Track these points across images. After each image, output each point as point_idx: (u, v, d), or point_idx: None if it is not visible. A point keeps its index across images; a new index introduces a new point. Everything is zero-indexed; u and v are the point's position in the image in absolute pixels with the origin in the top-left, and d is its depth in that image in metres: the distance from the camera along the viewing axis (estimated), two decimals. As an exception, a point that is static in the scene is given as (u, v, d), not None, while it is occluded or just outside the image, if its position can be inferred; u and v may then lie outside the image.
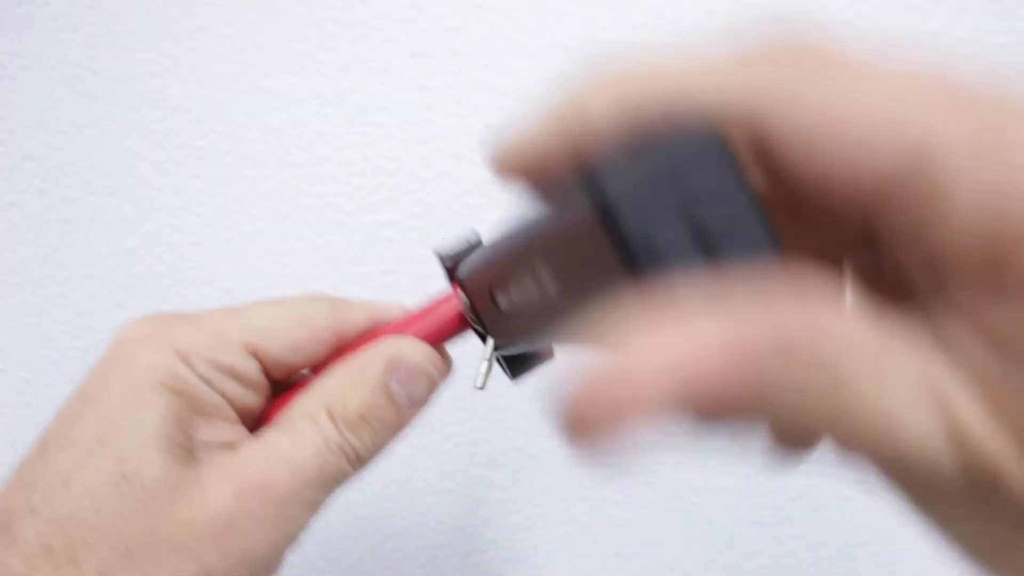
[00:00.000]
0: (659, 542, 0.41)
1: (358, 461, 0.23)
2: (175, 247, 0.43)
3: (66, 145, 0.43)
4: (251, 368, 0.24)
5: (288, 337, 0.24)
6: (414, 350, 0.24)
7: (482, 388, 0.24)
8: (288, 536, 0.22)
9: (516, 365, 0.25)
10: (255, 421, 0.25)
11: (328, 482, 0.23)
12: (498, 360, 0.25)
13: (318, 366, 0.25)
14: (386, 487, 0.41)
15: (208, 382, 0.23)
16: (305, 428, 0.22)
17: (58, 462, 0.21)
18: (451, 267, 0.25)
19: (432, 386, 0.25)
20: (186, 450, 0.22)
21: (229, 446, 0.23)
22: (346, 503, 0.32)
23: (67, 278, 0.43)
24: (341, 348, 0.25)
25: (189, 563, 0.20)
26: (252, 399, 0.24)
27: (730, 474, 0.41)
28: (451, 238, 0.25)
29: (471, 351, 0.26)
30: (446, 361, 0.26)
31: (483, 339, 0.25)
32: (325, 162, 0.43)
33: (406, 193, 0.42)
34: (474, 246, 0.25)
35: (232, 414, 0.24)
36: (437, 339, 0.25)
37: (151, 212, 0.43)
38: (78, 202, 0.43)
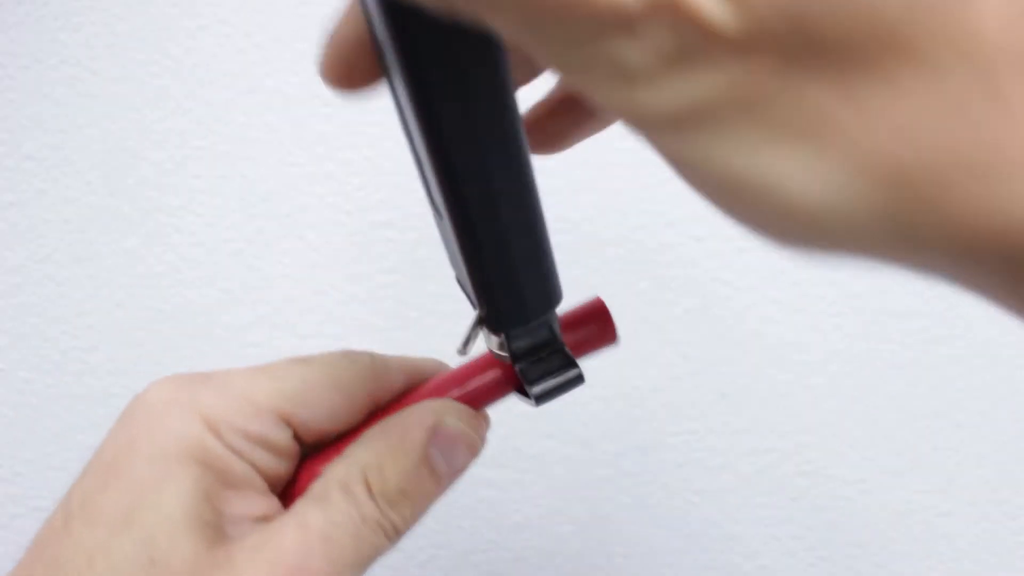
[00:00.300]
0: (659, 542, 0.41)
1: (396, 535, 0.22)
2: (175, 247, 0.43)
3: (66, 145, 0.43)
4: (283, 437, 0.22)
5: (323, 404, 0.23)
6: (456, 417, 0.23)
7: (463, 353, 0.23)
8: None
9: (539, 390, 0.24)
10: (284, 486, 0.24)
11: (364, 560, 0.21)
12: (519, 389, 0.24)
13: (352, 429, 0.24)
14: (386, 487, 0.41)
15: (238, 453, 0.22)
16: (340, 502, 0.21)
17: (83, 540, 0.20)
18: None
19: (474, 454, 0.24)
20: (215, 528, 0.21)
21: (260, 519, 0.22)
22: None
23: (67, 278, 0.43)
24: (376, 411, 0.24)
25: None
26: (282, 466, 0.23)
27: (730, 474, 0.41)
28: None
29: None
30: (486, 423, 0.25)
31: (524, 394, 0.24)
32: (325, 162, 0.43)
33: (406, 193, 0.42)
34: None
35: (262, 484, 0.22)
36: (479, 403, 0.24)
37: (151, 212, 0.43)
38: (78, 202, 0.43)
